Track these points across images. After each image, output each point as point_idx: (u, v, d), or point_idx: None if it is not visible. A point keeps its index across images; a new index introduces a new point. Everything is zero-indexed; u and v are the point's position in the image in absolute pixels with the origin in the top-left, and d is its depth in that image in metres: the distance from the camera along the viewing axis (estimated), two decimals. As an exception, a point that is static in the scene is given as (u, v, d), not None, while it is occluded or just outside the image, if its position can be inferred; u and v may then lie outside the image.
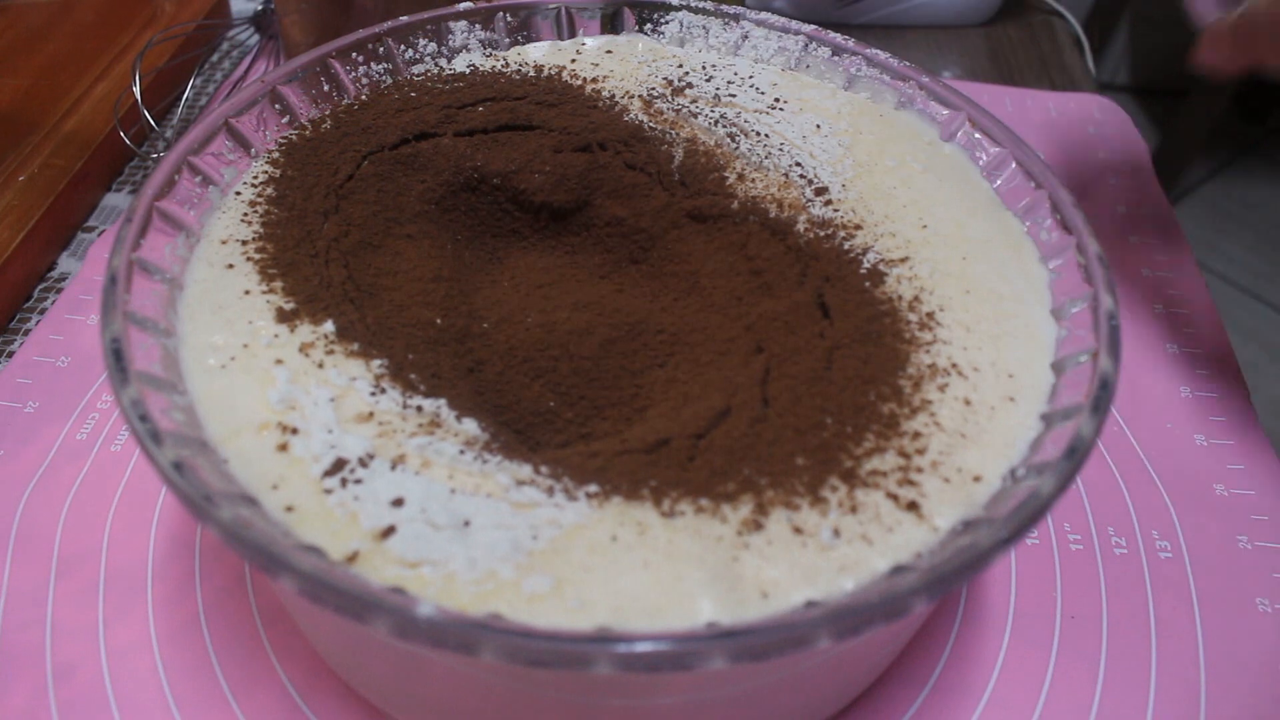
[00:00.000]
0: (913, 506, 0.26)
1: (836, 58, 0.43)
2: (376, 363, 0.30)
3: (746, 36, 0.44)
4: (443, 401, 0.29)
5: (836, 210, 0.36)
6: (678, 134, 0.39)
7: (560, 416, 0.31)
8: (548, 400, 0.32)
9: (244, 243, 0.33)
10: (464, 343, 0.33)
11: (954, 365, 0.30)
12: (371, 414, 0.28)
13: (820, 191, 0.36)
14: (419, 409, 0.29)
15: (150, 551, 0.39)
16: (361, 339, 0.30)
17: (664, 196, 0.37)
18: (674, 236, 0.37)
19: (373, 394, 0.29)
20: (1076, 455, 0.25)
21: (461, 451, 0.27)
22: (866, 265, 0.33)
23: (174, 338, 0.29)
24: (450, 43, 0.43)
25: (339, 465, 0.26)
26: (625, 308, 0.35)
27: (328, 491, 0.26)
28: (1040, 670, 0.36)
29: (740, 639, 0.21)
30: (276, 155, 0.37)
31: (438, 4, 0.43)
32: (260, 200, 0.35)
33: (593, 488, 0.27)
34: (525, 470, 0.27)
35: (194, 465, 0.24)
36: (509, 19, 0.44)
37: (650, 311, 0.35)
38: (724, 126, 0.39)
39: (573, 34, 0.45)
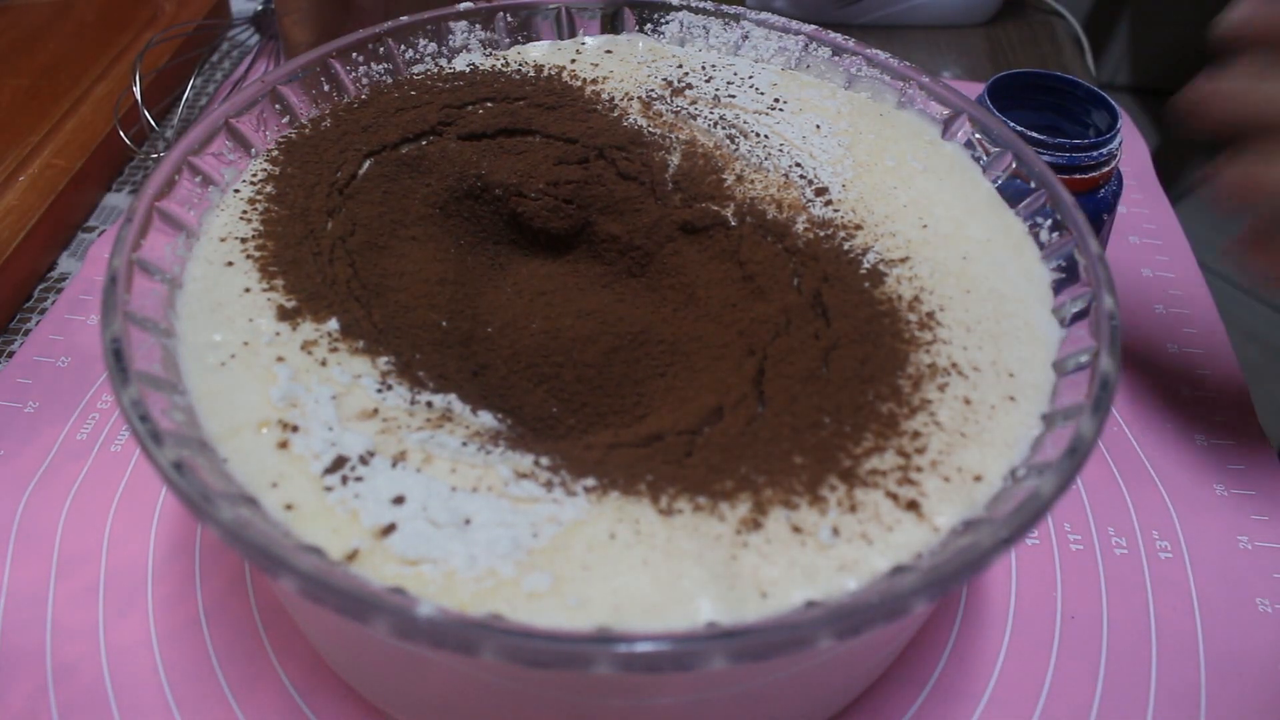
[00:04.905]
0: (913, 506, 0.26)
1: (836, 58, 0.43)
2: (383, 360, 0.30)
3: (746, 36, 0.44)
4: (453, 396, 0.29)
5: (836, 210, 0.36)
6: (676, 137, 0.39)
7: (563, 422, 0.31)
8: (550, 406, 0.32)
9: (243, 240, 0.33)
10: (468, 345, 0.33)
11: (954, 365, 0.30)
12: (376, 410, 0.28)
13: (820, 192, 0.36)
14: (429, 404, 0.29)
15: (150, 551, 0.39)
16: (367, 337, 0.30)
17: (657, 209, 0.37)
18: (669, 250, 0.37)
19: (379, 390, 0.29)
20: (1077, 455, 0.25)
21: (464, 444, 0.27)
22: (866, 265, 0.33)
23: (174, 338, 0.29)
24: (450, 42, 0.43)
25: (339, 463, 0.26)
26: (628, 317, 0.35)
27: (328, 489, 0.26)
28: (1040, 670, 0.36)
29: (740, 639, 0.21)
30: (275, 153, 0.37)
31: (438, 4, 0.43)
32: (260, 198, 0.35)
33: (590, 481, 0.27)
34: (526, 462, 0.27)
35: (194, 465, 0.24)
36: (509, 19, 0.44)
37: (652, 322, 0.35)
38: (723, 128, 0.39)
39: (573, 34, 0.45)
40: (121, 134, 0.57)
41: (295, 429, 0.27)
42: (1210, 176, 0.34)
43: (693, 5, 0.44)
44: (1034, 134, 0.43)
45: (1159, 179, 0.61)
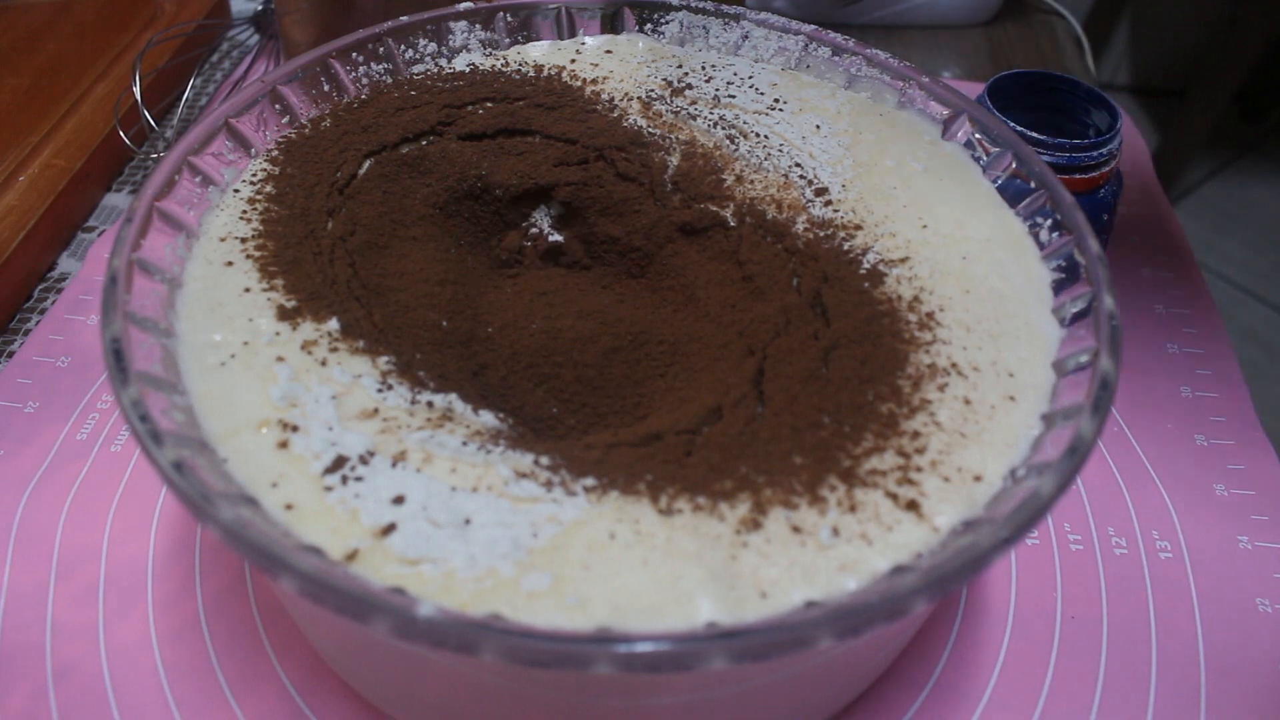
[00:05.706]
0: (912, 506, 0.26)
1: (836, 58, 0.43)
2: (384, 359, 0.30)
3: (746, 36, 0.44)
4: (454, 396, 0.29)
5: (836, 211, 0.36)
6: (676, 137, 0.39)
7: (563, 423, 0.31)
8: (550, 406, 0.32)
9: (243, 240, 0.33)
10: (469, 346, 0.33)
11: (954, 365, 0.30)
12: (376, 410, 0.28)
13: (820, 192, 0.36)
14: (429, 404, 0.29)
15: (150, 551, 0.39)
16: (367, 337, 0.30)
17: (655, 211, 0.37)
18: (669, 251, 0.37)
19: (379, 390, 0.29)
20: (1077, 455, 0.25)
21: (464, 443, 0.27)
22: (866, 265, 0.33)
23: (174, 337, 0.29)
24: (450, 42, 0.43)
25: (340, 462, 0.26)
26: (628, 318, 0.35)
27: (328, 489, 0.26)
28: (1040, 670, 0.36)
29: (740, 639, 0.21)
30: (275, 153, 0.37)
31: (438, 4, 0.43)
32: (259, 198, 0.35)
33: (590, 481, 0.27)
34: (526, 461, 0.27)
35: (194, 465, 0.24)
36: (509, 19, 0.44)
37: (652, 322, 0.35)
38: (723, 128, 0.39)
39: (573, 34, 0.45)
40: (121, 134, 0.57)
41: (295, 429, 0.27)
42: None
43: (693, 5, 0.44)
44: (1034, 134, 0.43)
45: (1159, 179, 0.61)
